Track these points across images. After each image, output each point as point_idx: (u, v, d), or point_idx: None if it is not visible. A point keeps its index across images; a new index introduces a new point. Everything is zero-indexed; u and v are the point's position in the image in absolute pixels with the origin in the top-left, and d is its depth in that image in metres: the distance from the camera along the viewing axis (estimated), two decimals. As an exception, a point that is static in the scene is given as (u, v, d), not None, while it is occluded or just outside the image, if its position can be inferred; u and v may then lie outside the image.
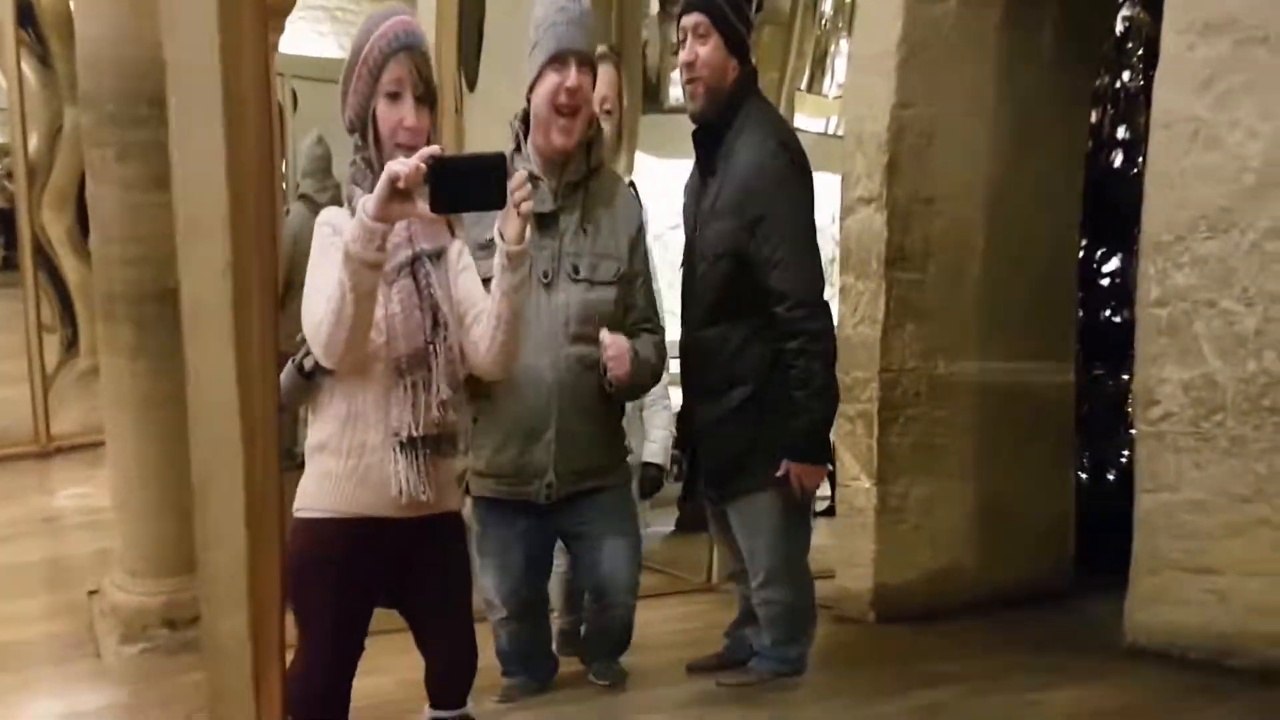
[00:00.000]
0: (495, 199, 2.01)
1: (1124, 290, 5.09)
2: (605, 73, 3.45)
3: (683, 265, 3.25)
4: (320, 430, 2.26)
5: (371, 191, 2.01)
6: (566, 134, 2.92)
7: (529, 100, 2.96)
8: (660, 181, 4.67)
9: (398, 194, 1.95)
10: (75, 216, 6.26)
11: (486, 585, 3.05)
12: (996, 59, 4.19)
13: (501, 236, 2.14)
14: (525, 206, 2.11)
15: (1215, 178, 3.31)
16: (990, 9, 4.15)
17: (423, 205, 1.91)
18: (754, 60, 3.23)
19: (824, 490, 3.92)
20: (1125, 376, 5.02)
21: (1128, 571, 3.52)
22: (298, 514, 2.62)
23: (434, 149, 1.93)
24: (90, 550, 4.07)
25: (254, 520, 1.33)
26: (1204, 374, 3.32)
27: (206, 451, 1.31)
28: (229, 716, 1.35)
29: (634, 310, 3.03)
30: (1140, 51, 5.03)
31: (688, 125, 3.22)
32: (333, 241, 2.06)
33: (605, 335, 2.89)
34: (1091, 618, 3.63)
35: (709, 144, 3.16)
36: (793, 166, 3.07)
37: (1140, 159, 5.03)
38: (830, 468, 3.23)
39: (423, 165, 1.89)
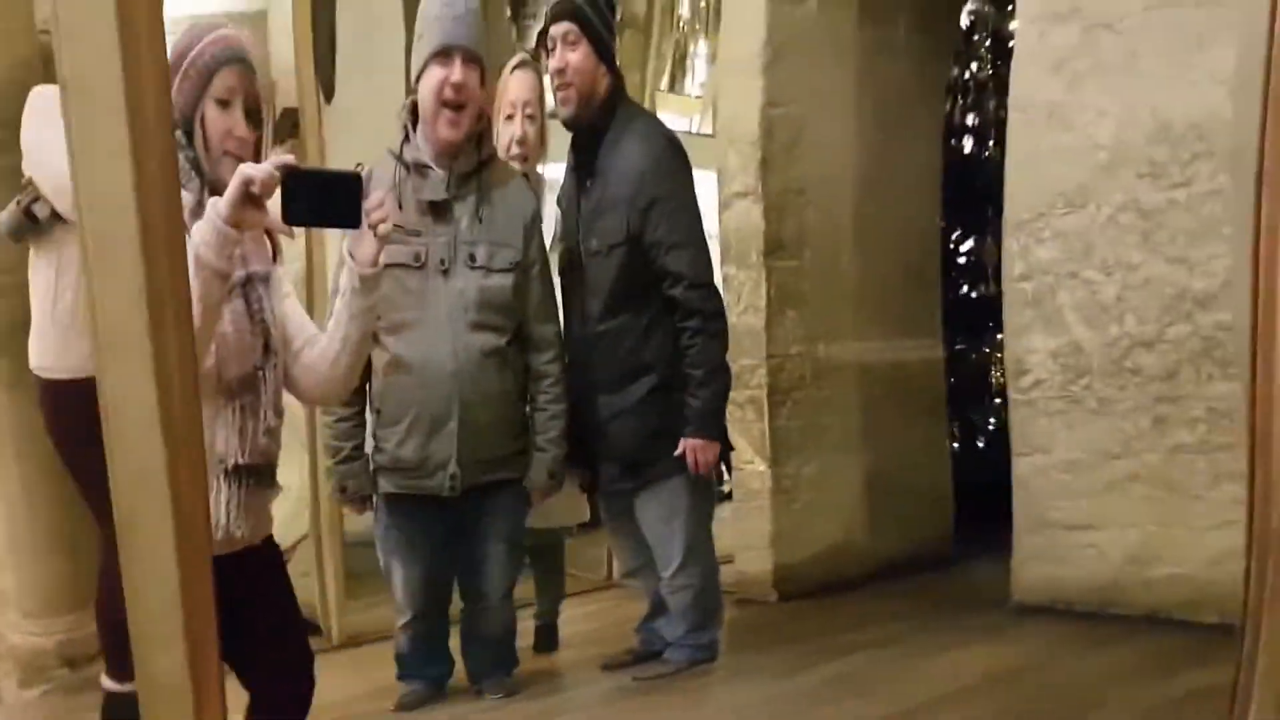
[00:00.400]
0: (350, 217, 1.96)
1: (980, 267, 5.31)
2: (527, 78, 3.49)
3: (562, 269, 3.27)
4: (56, 279, 2.19)
5: (194, 193, 2.01)
6: (454, 126, 2.92)
7: (417, 92, 2.97)
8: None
9: (250, 199, 1.87)
10: None
11: (392, 585, 3.04)
12: (856, 56, 4.31)
13: (352, 257, 2.09)
14: (383, 229, 2.08)
15: (1070, 157, 3.47)
16: (847, 9, 4.27)
17: (275, 216, 1.85)
18: (618, 66, 3.31)
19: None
20: (987, 349, 5.24)
21: (1006, 533, 3.65)
22: (46, 375, 2.61)
23: (288, 158, 1.87)
24: None
25: (184, 552, 1.24)
26: (1070, 341, 3.47)
27: (131, 484, 1.23)
28: None
29: (532, 299, 3.03)
30: (988, 42, 5.23)
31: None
32: None
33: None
34: (978, 579, 3.77)
35: (587, 148, 3.21)
36: (679, 158, 3.17)
37: (991, 143, 5.26)
38: (727, 448, 3.25)
39: (277, 172, 1.83)
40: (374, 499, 3.03)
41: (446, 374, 2.87)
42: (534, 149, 3.49)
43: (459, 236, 2.93)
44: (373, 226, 2.04)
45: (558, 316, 3.15)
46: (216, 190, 2.02)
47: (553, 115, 3.36)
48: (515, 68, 3.54)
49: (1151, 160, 3.27)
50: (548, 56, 3.27)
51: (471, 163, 2.98)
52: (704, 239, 3.18)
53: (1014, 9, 4.22)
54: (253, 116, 2.16)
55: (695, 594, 3.19)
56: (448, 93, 2.89)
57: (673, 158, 3.16)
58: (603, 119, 3.19)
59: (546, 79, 3.44)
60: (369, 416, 2.99)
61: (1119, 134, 3.35)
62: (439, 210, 2.93)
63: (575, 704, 3.03)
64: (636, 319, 3.12)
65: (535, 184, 3.49)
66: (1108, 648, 3.03)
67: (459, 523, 2.99)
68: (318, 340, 2.16)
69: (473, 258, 2.92)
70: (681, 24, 7.72)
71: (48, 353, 2.76)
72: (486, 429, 2.93)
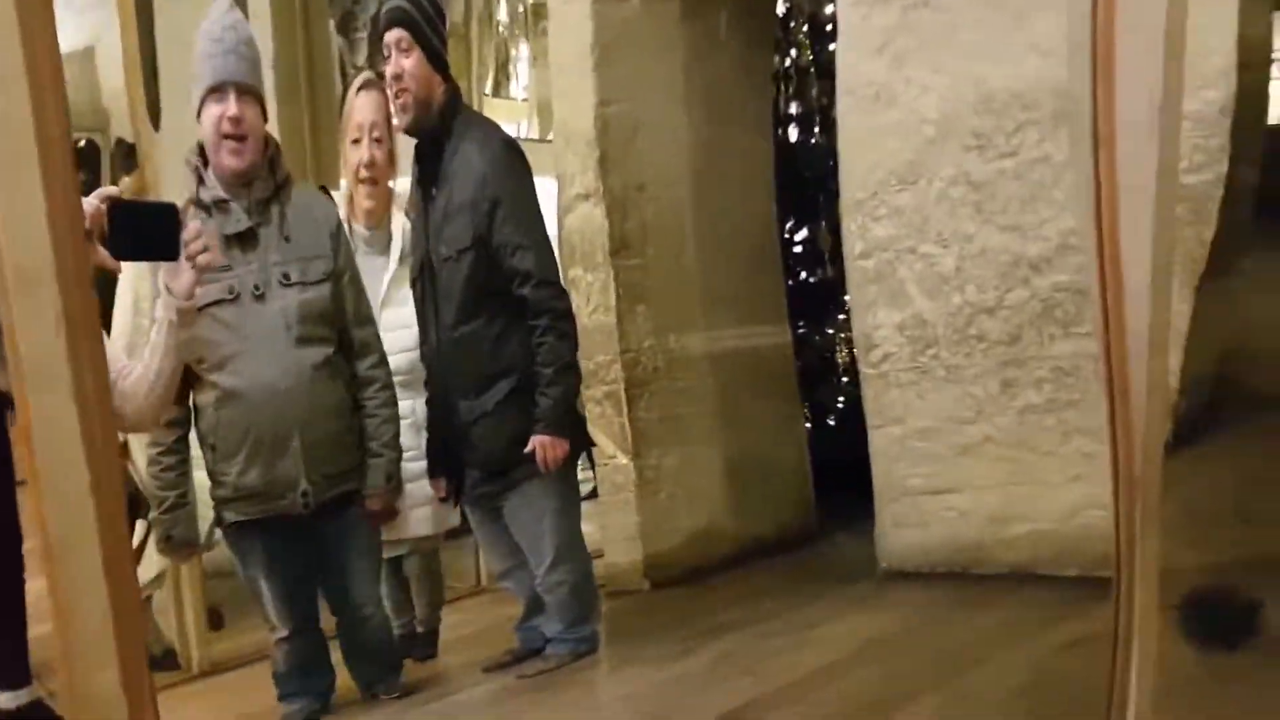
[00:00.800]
0: (170, 249, 1.97)
1: (816, 253, 5.37)
2: (371, 99, 3.46)
3: (414, 279, 3.26)
4: None
5: None
6: (237, 155, 2.95)
7: (200, 132, 3.01)
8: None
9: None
10: None
11: (263, 608, 3.03)
12: (682, 50, 4.31)
13: (169, 291, 2.11)
14: (203, 259, 2.13)
15: (899, 134, 3.52)
16: (670, 4, 4.26)
17: (103, 251, 1.82)
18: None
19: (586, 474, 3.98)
20: (830, 330, 5.32)
21: (867, 507, 3.69)
22: None
23: (112, 190, 1.89)
24: None
25: (112, 572, 1.26)
26: (914, 314, 3.53)
27: (58, 509, 1.25)
28: None
29: (348, 306, 3.05)
30: (805, 27, 5.28)
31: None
32: None
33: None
34: (844, 552, 3.82)
35: (430, 156, 3.21)
36: (518, 160, 3.19)
37: (817, 130, 5.32)
38: (586, 444, 3.28)
39: (102, 207, 1.80)
40: (209, 538, 3.10)
41: (280, 394, 2.87)
42: (383, 171, 3.48)
43: (269, 258, 2.95)
44: (191, 258, 2.08)
45: (374, 320, 3.16)
46: None
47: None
48: (360, 89, 3.50)
49: (978, 132, 3.35)
50: (384, 63, 3.26)
51: (269, 188, 3.01)
52: (548, 238, 3.21)
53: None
54: None
55: (570, 589, 3.18)
56: (226, 126, 2.93)
57: (511, 160, 3.18)
58: (442, 126, 3.19)
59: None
60: (204, 454, 2.97)
61: (944, 108, 3.41)
62: (244, 240, 2.95)
63: (466, 707, 2.99)
64: (491, 323, 3.12)
65: (388, 202, 3.50)
66: (979, 607, 3.08)
67: (314, 539, 3.00)
68: (132, 369, 2.16)
69: (286, 276, 2.94)
70: (501, 28, 7.72)
71: None
72: (329, 442, 2.96)
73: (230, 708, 3.26)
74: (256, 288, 2.91)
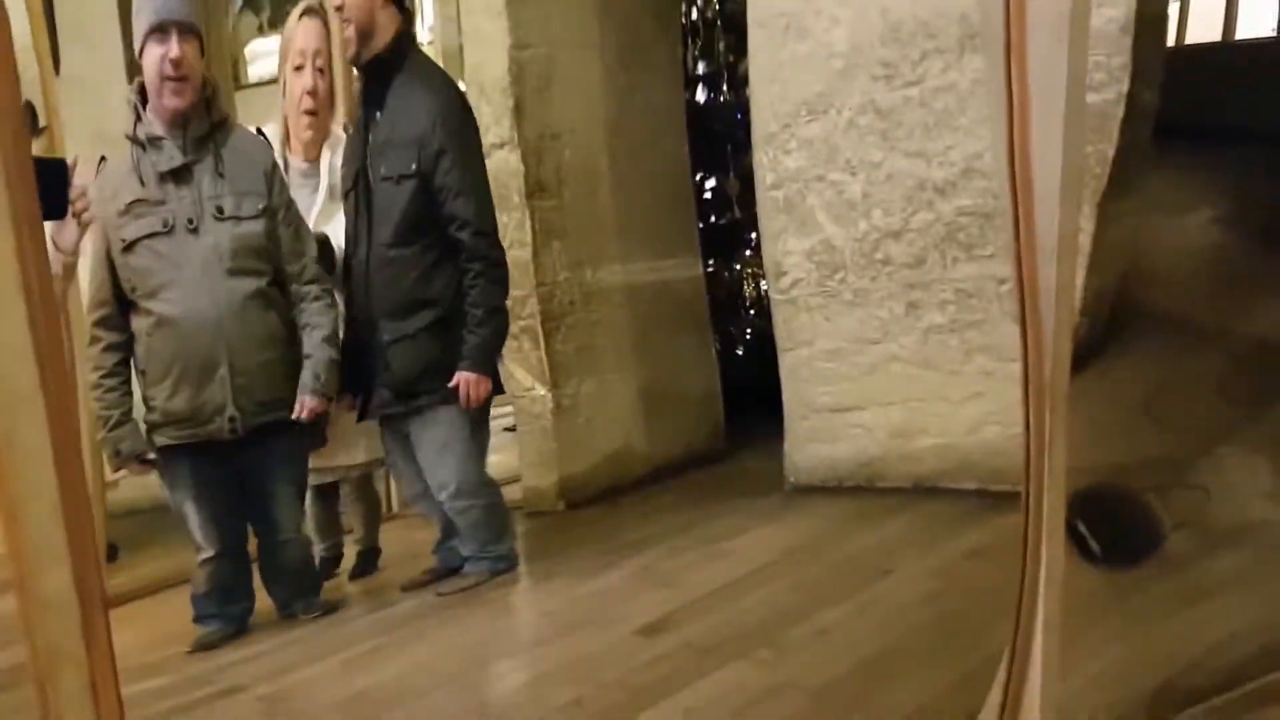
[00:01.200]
0: (59, 208, 1.99)
1: (724, 198, 5.38)
2: (313, 26, 3.38)
3: (347, 191, 3.22)
4: None
5: None
6: (178, 95, 2.95)
7: (141, 70, 2.98)
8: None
9: None
10: None
11: (190, 529, 3.02)
12: (593, -4, 4.22)
13: (55, 245, 2.05)
14: (86, 216, 2.20)
15: (809, 66, 3.51)
16: (580, -55, 4.17)
17: None
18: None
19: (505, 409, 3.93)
20: (738, 266, 5.33)
21: (774, 430, 3.73)
22: None
23: None
24: None
25: (62, 471, 1.21)
26: (822, 240, 3.54)
27: (5, 406, 1.19)
28: (60, 671, 1.23)
29: (284, 240, 3.06)
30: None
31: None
32: None
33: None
34: (753, 470, 3.83)
35: (377, 79, 3.16)
36: (467, 112, 3.22)
37: (724, 87, 5.28)
38: (496, 385, 3.21)
39: None
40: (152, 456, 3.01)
41: (209, 322, 2.90)
42: (324, 102, 3.42)
43: (203, 194, 2.96)
44: (77, 215, 2.00)
45: (310, 248, 3.14)
46: None
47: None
48: (301, 15, 3.40)
49: (885, 62, 3.35)
50: None
51: (205, 127, 3.01)
52: (488, 189, 3.20)
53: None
54: None
55: (481, 511, 3.20)
56: (167, 68, 2.92)
57: (461, 111, 3.20)
58: (391, 58, 3.14)
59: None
60: (138, 379, 2.99)
61: (853, 39, 3.41)
62: (179, 175, 2.96)
63: (389, 622, 2.98)
64: (424, 254, 3.11)
65: (326, 136, 3.43)
66: (884, 518, 3.14)
67: (242, 465, 3.02)
68: None
69: (220, 210, 2.96)
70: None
71: None
72: (259, 370, 2.97)
73: (141, 633, 3.17)
74: (190, 221, 2.93)
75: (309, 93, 3.36)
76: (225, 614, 3.05)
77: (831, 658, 2.14)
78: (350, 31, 3.10)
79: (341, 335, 3.20)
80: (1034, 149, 1.82)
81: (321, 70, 3.37)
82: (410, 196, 3.07)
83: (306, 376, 3.04)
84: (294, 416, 3.02)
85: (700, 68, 5.32)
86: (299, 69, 3.36)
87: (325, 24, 3.38)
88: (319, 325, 3.07)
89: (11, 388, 1.19)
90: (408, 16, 3.24)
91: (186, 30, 2.95)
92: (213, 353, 2.90)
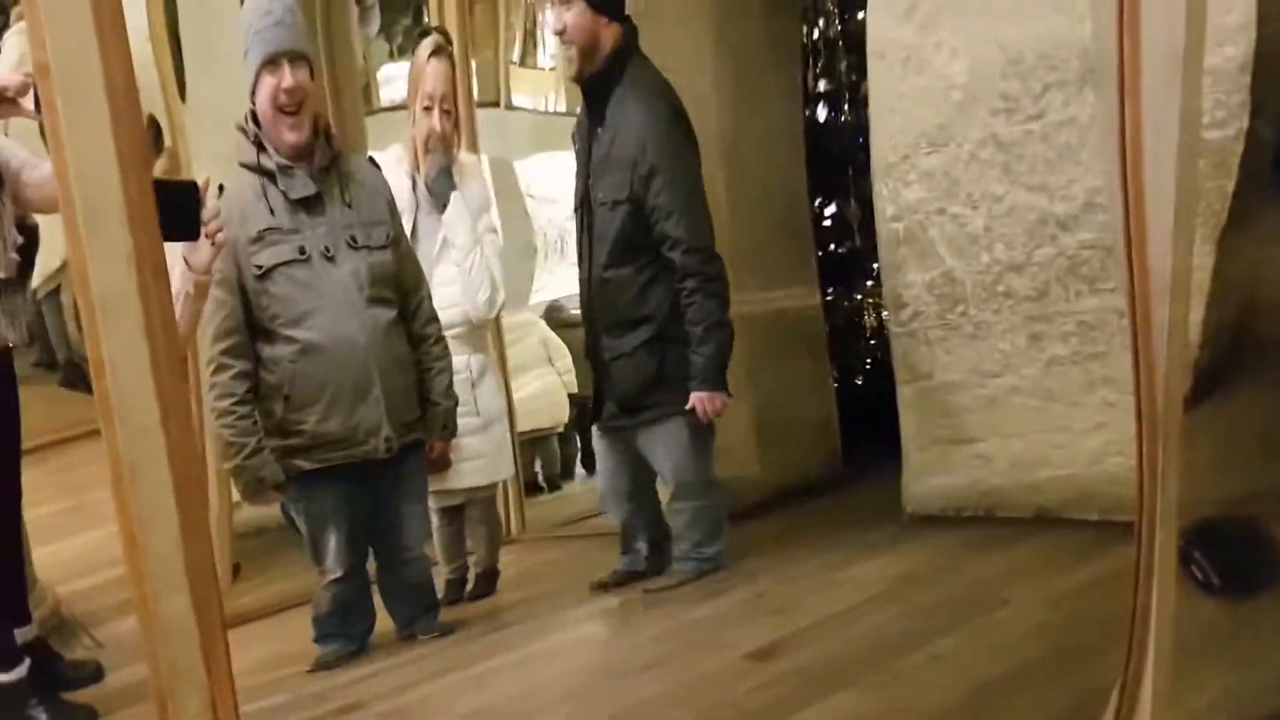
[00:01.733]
0: (191, 229, 2.02)
1: (845, 225, 5.38)
2: (442, 69, 3.49)
3: (578, 209, 3.37)
4: None
5: None
6: (295, 130, 3.02)
7: (254, 103, 3.05)
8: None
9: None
10: None
11: (322, 553, 3.08)
12: (712, 16, 4.29)
13: (188, 264, 2.16)
14: (220, 237, 2.22)
15: (928, 98, 3.53)
16: (698, -32, 4.25)
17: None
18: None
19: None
20: (858, 296, 5.34)
21: (893, 460, 3.73)
22: None
23: None
24: None
25: (183, 500, 1.29)
26: (943, 272, 3.55)
27: (130, 441, 1.28)
28: (183, 692, 1.31)
29: (406, 270, 3.18)
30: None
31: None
32: None
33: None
34: (870, 499, 3.84)
35: (597, 94, 3.28)
36: (681, 125, 3.28)
37: (845, 107, 5.30)
38: (729, 395, 3.31)
39: None
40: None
41: (360, 348, 2.99)
42: (450, 139, 3.53)
43: (336, 222, 3.05)
44: (211, 236, 2.13)
45: (424, 284, 3.27)
46: None
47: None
48: (430, 55, 3.49)
49: (1005, 95, 3.35)
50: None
51: (327, 157, 3.09)
52: (703, 202, 3.27)
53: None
54: None
55: (695, 513, 3.32)
56: (282, 99, 2.99)
57: (674, 127, 3.26)
58: (611, 71, 3.26)
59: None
60: (272, 406, 3.03)
61: (973, 72, 3.41)
62: (310, 204, 3.04)
63: (505, 644, 3.06)
64: (637, 274, 3.24)
65: (460, 173, 3.54)
66: (1002, 548, 3.13)
67: (379, 485, 3.11)
68: (37, 164, 2.37)
69: (354, 240, 3.05)
70: (528, -11, 7.67)
71: None
72: (403, 393, 3.10)
73: (264, 651, 3.32)
74: (327, 249, 3.01)
75: (439, 137, 3.47)
76: (347, 634, 3.13)
77: (943, 685, 2.17)
78: (572, 52, 3.23)
79: None
80: (1148, 186, 1.85)
81: (448, 112, 3.48)
82: (623, 221, 3.20)
83: (435, 424, 3.20)
84: (433, 456, 3.23)
85: (822, 85, 5.36)
86: (427, 109, 3.47)
87: (452, 63, 3.52)
88: (442, 370, 3.21)
89: (136, 423, 1.27)
90: (629, 27, 3.32)
91: (299, 59, 3.02)
92: (365, 376, 2.99)
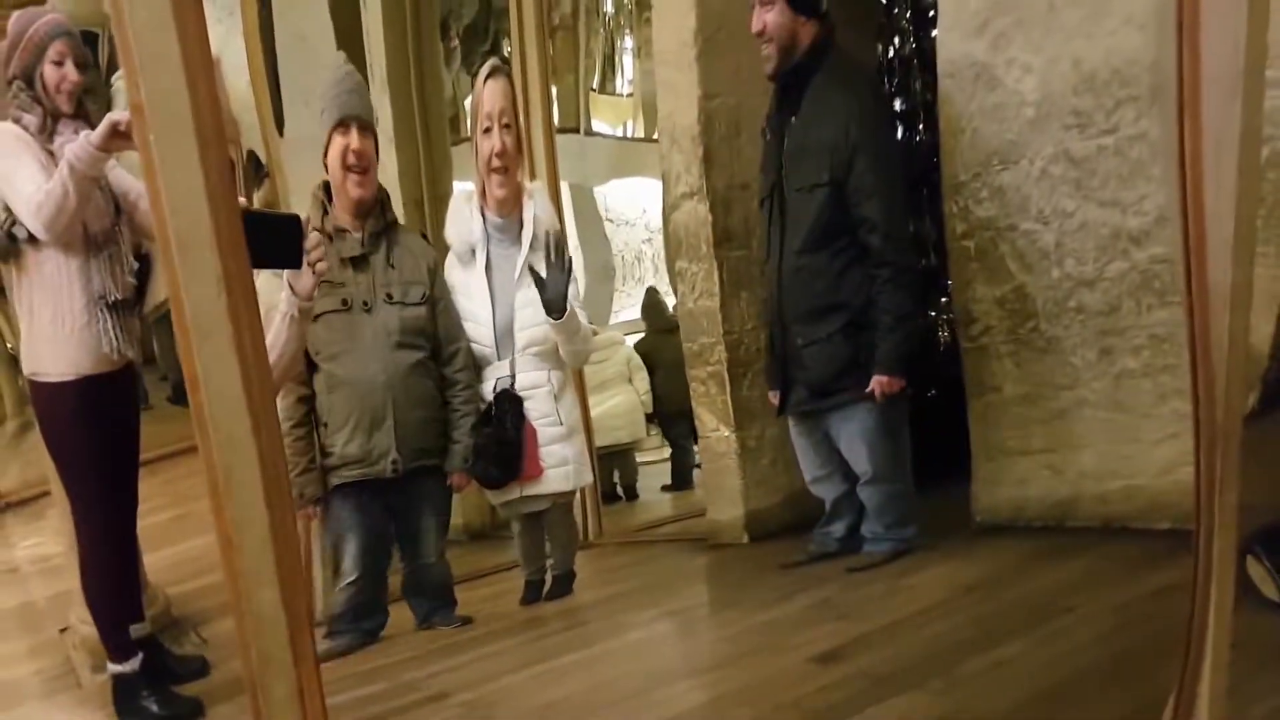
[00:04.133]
0: (293, 258, 2.17)
1: (919, 244, 5.36)
2: (499, 86, 3.61)
3: (765, 201, 3.50)
4: (35, 295, 2.90)
5: (39, 116, 2.94)
6: (362, 187, 3.47)
7: (325, 165, 3.49)
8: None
9: (116, 134, 2.71)
10: None
11: (341, 555, 3.49)
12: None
13: (292, 290, 2.42)
14: (320, 266, 2.43)
15: (1000, 115, 3.53)
16: (773, -9, 4.30)
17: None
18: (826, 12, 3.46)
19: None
20: (931, 313, 5.31)
21: (963, 469, 3.73)
22: (38, 379, 2.97)
23: (240, 202, 2.01)
24: (53, 593, 4.24)
25: (272, 502, 1.40)
26: (1014, 288, 3.55)
27: (224, 449, 1.38)
28: (271, 680, 1.42)
29: (442, 325, 3.58)
30: (908, 14, 5.23)
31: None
32: (22, 143, 2.90)
33: None
34: (939, 508, 3.84)
35: (794, 86, 3.39)
36: (884, 108, 3.42)
37: (920, 127, 5.29)
38: (909, 383, 3.46)
39: None
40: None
41: (380, 385, 3.43)
42: (513, 159, 3.64)
43: (376, 280, 3.48)
44: (312, 265, 2.26)
45: (463, 335, 3.63)
46: (55, 115, 3.00)
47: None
48: (487, 77, 3.61)
49: (1077, 110, 3.35)
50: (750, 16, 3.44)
51: (380, 224, 3.54)
52: (901, 191, 3.38)
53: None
54: (82, 68, 3.01)
55: (887, 497, 3.44)
56: (351, 159, 3.43)
57: (875, 110, 3.38)
58: (810, 63, 3.36)
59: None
60: (318, 429, 3.51)
61: (1045, 88, 3.41)
62: (357, 263, 3.48)
63: (582, 641, 3.15)
64: (833, 259, 3.33)
65: (519, 191, 3.64)
66: (1071, 557, 3.11)
67: (396, 502, 3.54)
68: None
69: (390, 296, 3.48)
70: (607, 20, 7.74)
71: (38, 360, 3.01)
72: (416, 424, 3.50)
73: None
74: (365, 303, 3.46)
75: (497, 154, 3.58)
76: (358, 629, 3.50)
77: (1005, 690, 2.17)
78: (771, 50, 3.35)
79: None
80: (1207, 202, 1.86)
81: (508, 126, 3.59)
82: (822, 204, 3.30)
83: (456, 460, 3.57)
84: (448, 483, 3.60)
85: (897, 104, 5.35)
86: (487, 131, 3.58)
87: (510, 80, 3.64)
88: (467, 414, 3.57)
89: (229, 433, 1.38)
90: (827, 23, 3.42)
91: (365, 126, 3.45)
92: (382, 408, 3.42)
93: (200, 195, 1.36)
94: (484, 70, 3.65)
